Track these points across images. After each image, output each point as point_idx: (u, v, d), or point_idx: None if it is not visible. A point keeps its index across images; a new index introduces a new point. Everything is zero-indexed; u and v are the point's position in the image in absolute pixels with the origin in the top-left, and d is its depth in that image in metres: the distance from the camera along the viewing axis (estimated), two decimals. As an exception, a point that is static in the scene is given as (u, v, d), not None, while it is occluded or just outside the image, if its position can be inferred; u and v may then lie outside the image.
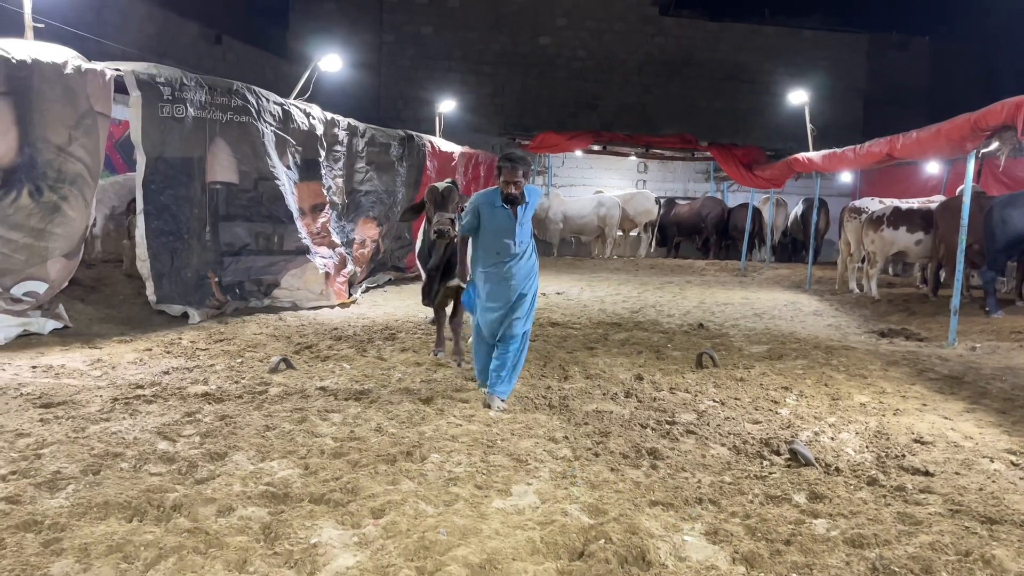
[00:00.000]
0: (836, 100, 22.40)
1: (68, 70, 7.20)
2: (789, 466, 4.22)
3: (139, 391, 5.32)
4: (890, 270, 15.43)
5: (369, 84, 21.82)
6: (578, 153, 20.11)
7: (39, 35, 7.66)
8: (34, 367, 5.84)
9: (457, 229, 5.78)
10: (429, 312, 8.64)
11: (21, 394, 5.06)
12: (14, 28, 7.60)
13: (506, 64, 22.81)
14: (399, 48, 22.40)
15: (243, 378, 5.82)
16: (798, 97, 15.44)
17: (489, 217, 5.23)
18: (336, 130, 11.03)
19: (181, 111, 8.38)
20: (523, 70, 22.77)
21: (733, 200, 21.44)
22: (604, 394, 5.68)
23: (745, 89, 23.80)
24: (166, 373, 5.90)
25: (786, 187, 17.51)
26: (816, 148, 14.23)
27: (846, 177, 18.20)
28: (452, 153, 14.40)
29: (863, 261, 12.93)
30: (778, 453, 4.44)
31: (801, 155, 14.13)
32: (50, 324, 7.17)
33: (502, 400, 5.28)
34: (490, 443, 4.35)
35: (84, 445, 4.09)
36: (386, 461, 4.00)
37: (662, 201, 20.09)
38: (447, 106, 15.58)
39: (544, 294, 12.24)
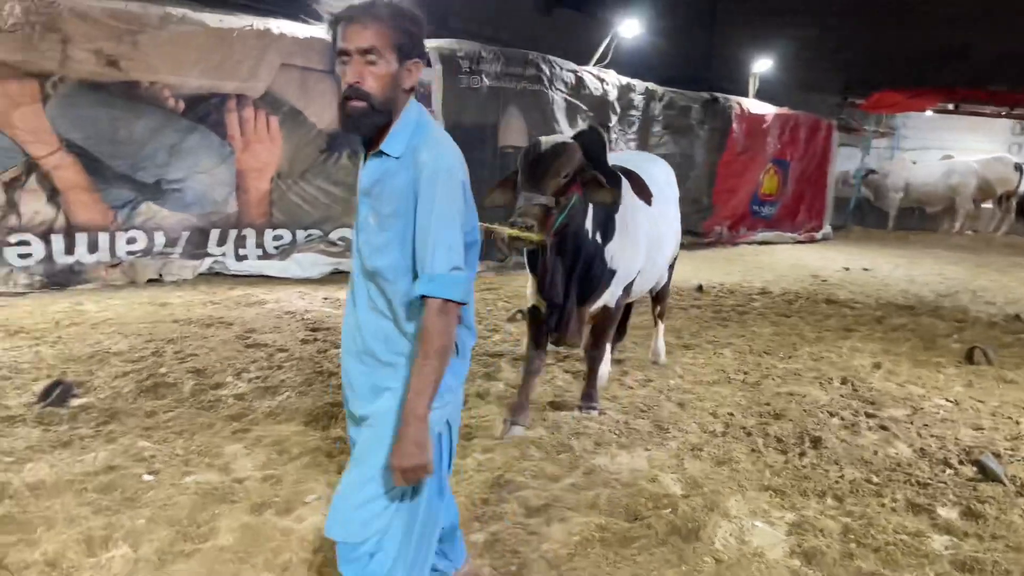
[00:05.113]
0: None
1: (382, 49, 8.46)
2: (971, 479, 3.73)
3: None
4: None
5: (702, 43, 21.47)
6: (928, 112, 17.81)
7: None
8: (325, 298, 7.16)
9: (556, 225, 3.46)
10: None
11: (302, 319, 6.30)
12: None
13: (855, 14, 20.78)
14: (736, 3, 21.64)
15: (479, 324, 6.53)
16: None
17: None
18: (632, 94, 11.31)
19: (477, 82, 9.33)
20: (876, 20, 20.57)
21: None
22: (816, 377, 5.36)
23: None
24: (420, 313, 6.84)
25: None
26: None
27: None
28: (764, 115, 13.81)
29: None
30: (973, 464, 3.92)
31: None
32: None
33: None
34: (645, 408, 4.47)
35: (317, 364, 5.06)
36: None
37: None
38: (762, 66, 14.89)
39: (847, 268, 11.40)
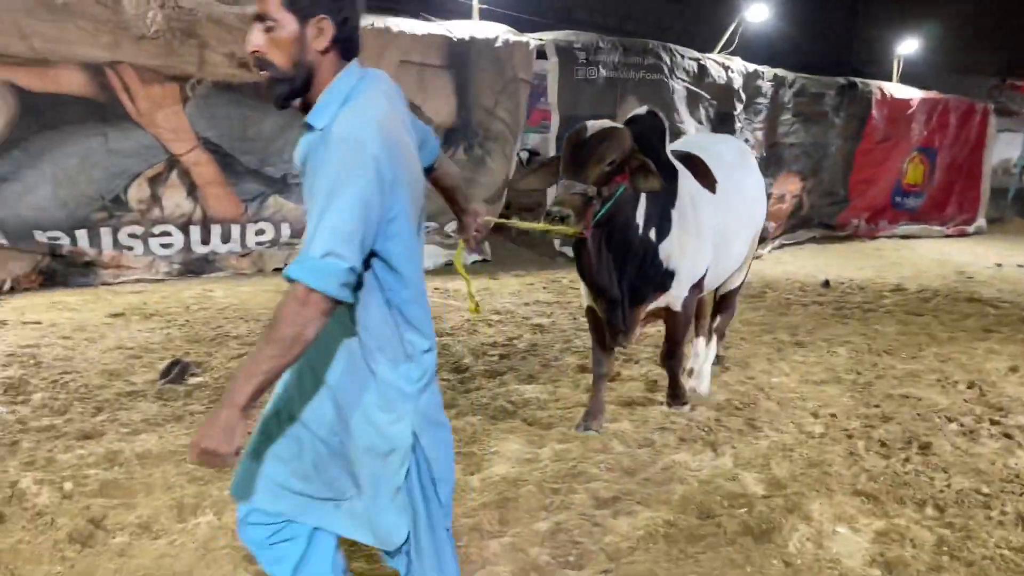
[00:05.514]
0: None
1: (498, 44, 8.58)
2: (1104, 496, 3.36)
3: (494, 316, 6.37)
4: None
5: (841, 26, 20.34)
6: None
7: (488, 16, 9.18)
8: (435, 288, 7.34)
9: (598, 218, 3.15)
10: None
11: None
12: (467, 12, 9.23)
13: (1021, -11, 19.04)
14: (884, -17, 20.34)
15: (580, 316, 6.50)
16: None
17: None
18: (759, 82, 10.87)
19: (593, 73, 9.25)
20: (1042, -5, 18.77)
21: None
22: (938, 380, 4.98)
23: None
24: (526, 304, 6.89)
25: None
26: None
27: None
28: (909, 100, 12.89)
29: None
30: (1109, 480, 3.54)
31: None
32: (472, 256, 8.78)
33: None
34: (741, 405, 4.31)
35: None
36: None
37: None
38: (908, 47, 13.88)
39: (999, 264, 10.52)
